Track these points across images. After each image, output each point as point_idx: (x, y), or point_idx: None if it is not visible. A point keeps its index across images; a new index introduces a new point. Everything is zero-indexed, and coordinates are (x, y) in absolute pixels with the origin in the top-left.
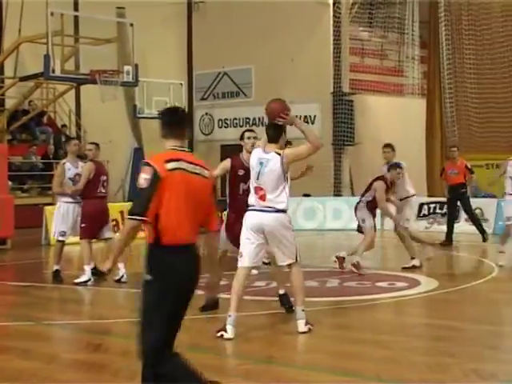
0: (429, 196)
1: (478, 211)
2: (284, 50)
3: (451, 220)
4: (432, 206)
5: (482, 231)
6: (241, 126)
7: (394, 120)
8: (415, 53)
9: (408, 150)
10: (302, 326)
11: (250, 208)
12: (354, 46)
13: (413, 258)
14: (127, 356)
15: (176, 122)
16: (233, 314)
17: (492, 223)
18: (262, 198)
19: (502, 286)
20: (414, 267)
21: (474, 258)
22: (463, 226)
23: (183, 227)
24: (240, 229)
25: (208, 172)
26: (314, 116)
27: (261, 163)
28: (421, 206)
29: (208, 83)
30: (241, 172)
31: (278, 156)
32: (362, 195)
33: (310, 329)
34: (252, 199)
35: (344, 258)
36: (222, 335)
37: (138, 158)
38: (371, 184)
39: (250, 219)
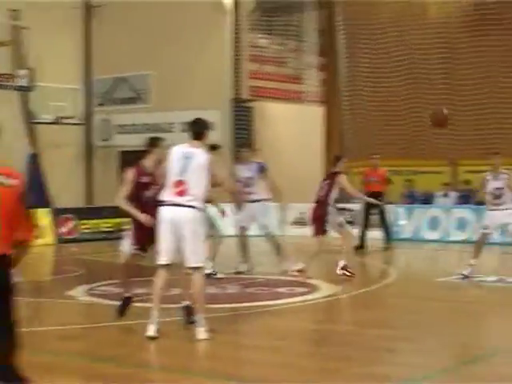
0: None
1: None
2: (183, 56)
3: (365, 226)
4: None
5: (389, 239)
6: (140, 133)
7: (293, 126)
8: (313, 60)
9: (306, 156)
10: (201, 333)
11: (164, 203)
12: (254, 53)
13: (245, 262)
14: None
15: None
16: (153, 313)
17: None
18: (182, 192)
19: (400, 291)
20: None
21: (372, 263)
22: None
23: None
24: (146, 234)
25: (15, 180)
26: (214, 123)
27: (186, 157)
28: None
29: (106, 88)
30: (144, 179)
31: (205, 154)
32: (325, 197)
33: (209, 337)
34: (167, 194)
35: (301, 270)
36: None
37: (33, 164)
38: (330, 183)
39: (165, 215)
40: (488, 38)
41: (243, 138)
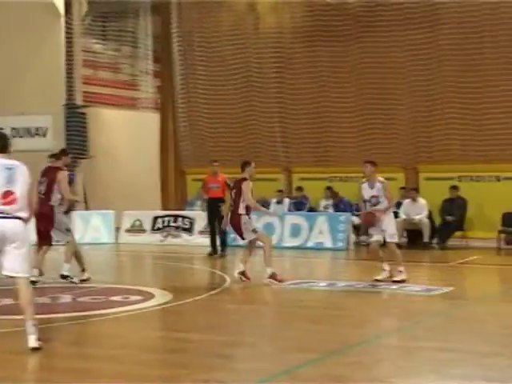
0: (163, 209)
1: None
2: (15, 58)
3: (213, 232)
4: (166, 219)
5: (225, 246)
6: None
7: (129, 133)
8: (148, 67)
9: (142, 163)
10: (32, 341)
11: None
12: (87, 58)
13: (83, 270)
14: None
15: None
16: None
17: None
18: (10, 203)
19: (235, 297)
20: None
21: (207, 270)
22: (198, 238)
23: None
24: None
25: None
26: (46, 128)
27: (8, 168)
28: (155, 219)
29: None
30: None
31: (23, 165)
32: (234, 204)
33: (40, 346)
34: None
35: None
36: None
37: None
38: (239, 189)
39: None
40: (319, 47)
41: (77, 143)
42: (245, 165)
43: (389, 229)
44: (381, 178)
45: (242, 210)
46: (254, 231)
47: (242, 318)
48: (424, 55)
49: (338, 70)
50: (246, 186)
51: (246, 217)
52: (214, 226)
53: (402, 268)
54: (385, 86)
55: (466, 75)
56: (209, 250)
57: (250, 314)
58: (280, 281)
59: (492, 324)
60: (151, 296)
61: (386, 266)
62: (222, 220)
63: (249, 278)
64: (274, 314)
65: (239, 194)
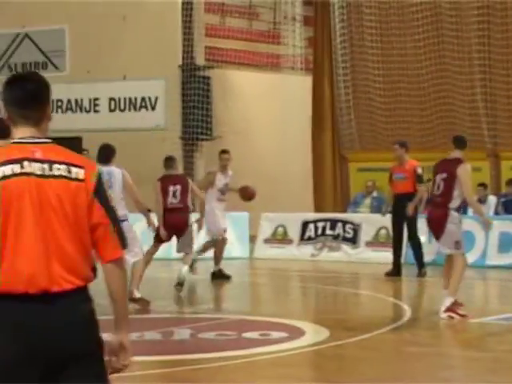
0: (316, 211)
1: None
2: (113, 4)
3: (397, 242)
4: (321, 224)
5: (421, 263)
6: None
7: (268, 104)
8: (296, 11)
9: (287, 147)
10: None
11: None
12: (212, 1)
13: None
14: None
15: (14, 97)
16: None
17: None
18: None
19: (414, 337)
20: None
21: (381, 298)
22: (365, 251)
23: (24, 265)
24: None
25: (83, 171)
26: (156, 98)
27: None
28: (305, 225)
29: (2, 49)
30: None
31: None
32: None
33: None
34: None
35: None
36: None
37: None
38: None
39: None
40: None
41: (197, 119)
42: (460, 141)
43: None
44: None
45: (452, 204)
46: (458, 244)
47: (426, 366)
48: None
49: None
50: (464, 172)
51: (456, 215)
52: (400, 234)
53: None
54: None
55: None
56: (389, 268)
57: (437, 361)
58: (463, 316)
59: None
60: (300, 333)
61: None
62: (413, 227)
63: (463, 315)
64: (469, 362)
65: (452, 180)
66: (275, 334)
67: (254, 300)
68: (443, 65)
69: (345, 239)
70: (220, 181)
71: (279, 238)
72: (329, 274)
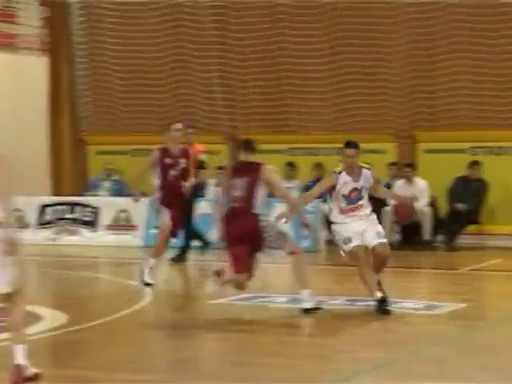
0: (54, 194)
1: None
2: None
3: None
4: (59, 208)
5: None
6: None
7: (2, 86)
8: None
9: (23, 128)
10: None
11: None
12: None
13: None
14: None
15: None
16: None
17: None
18: None
19: (155, 319)
20: None
21: (121, 281)
22: (105, 235)
23: None
24: None
25: None
26: None
27: None
28: (43, 208)
29: None
30: None
31: None
32: None
33: None
34: None
35: None
36: None
37: None
38: None
39: None
40: None
41: None
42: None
43: None
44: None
45: None
46: None
47: (166, 348)
48: None
49: (303, 12)
50: None
51: None
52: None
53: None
54: (371, 31)
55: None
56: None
57: (174, 342)
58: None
59: None
60: (38, 318)
61: None
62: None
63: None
64: (210, 342)
65: None
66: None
67: None
68: (181, 48)
69: (84, 223)
70: None
71: (16, 222)
72: (68, 258)
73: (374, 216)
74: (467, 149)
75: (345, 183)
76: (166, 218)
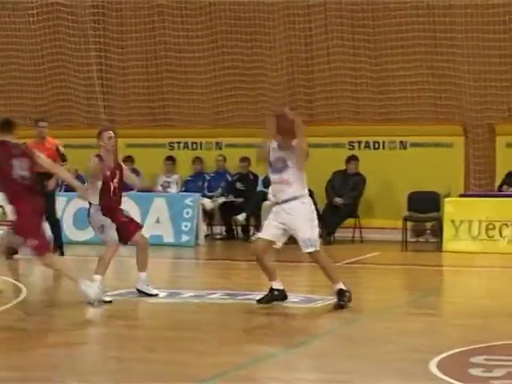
0: None
1: None
2: None
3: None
4: None
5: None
6: None
7: None
8: None
9: None
10: None
11: None
12: None
13: None
14: None
15: None
16: None
17: None
18: None
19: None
20: None
21: None
22: None
23: None
24: None
25: None
26: None
27: None
28: None
29: None
30: None
31: None
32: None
33: None
34: None
35: None
36: None
37: None
38: None
39: None
40: None
41: None
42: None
43: None
44: None
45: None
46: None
47: (36, 346)
48: None
49: (182, 6)
50: None
51: None
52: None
53: None
54: (250, 26)
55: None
56: None
57: (51, 339)
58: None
59: (396, 345)
60: None
61: None
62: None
63: None
64: (88, 339)
65: None
66: None
67: None
68: (58, 41)
69: None
70: None
71: None
72: None
73: None
74: (345, 143)
75: None
76: None
